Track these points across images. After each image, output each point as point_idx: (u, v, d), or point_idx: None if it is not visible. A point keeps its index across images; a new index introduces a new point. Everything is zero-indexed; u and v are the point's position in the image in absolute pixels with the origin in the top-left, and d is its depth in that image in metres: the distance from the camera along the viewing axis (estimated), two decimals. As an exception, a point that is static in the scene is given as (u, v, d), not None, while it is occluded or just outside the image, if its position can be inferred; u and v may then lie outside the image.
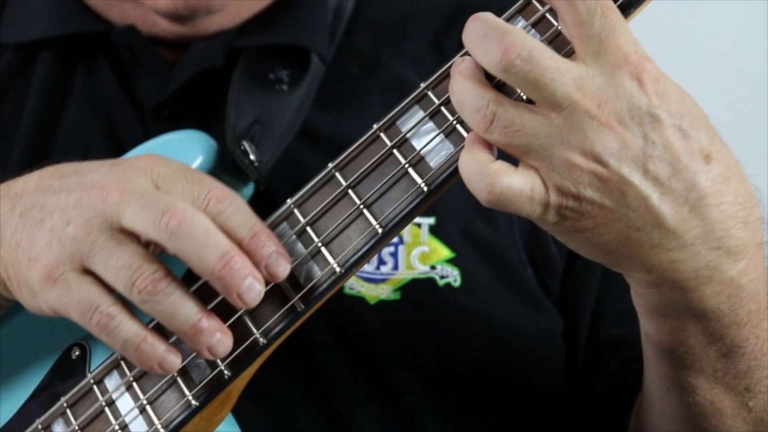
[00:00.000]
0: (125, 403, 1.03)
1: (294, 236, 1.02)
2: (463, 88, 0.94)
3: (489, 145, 0.94)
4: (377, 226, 0.99)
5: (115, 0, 1.33)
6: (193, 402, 1.00)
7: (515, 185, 0.92)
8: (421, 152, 0.99)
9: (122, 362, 1.04)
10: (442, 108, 1.00)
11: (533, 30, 0.98)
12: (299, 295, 1.00)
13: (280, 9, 1.33)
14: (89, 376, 1.05)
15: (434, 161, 0.99)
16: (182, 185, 0.99)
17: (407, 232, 1.26)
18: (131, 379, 1.03)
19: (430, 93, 1.01)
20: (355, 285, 1.24)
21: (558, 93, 0.90)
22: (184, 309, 0.96)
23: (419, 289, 1.24)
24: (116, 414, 1.03)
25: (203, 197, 0.98)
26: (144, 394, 1.02)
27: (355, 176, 1.01)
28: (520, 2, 0.99)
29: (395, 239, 1.25)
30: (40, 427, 1.05)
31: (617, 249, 0.94)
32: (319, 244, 1.01)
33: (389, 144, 1.01)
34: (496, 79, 0.95)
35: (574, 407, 1.29)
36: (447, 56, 1.32)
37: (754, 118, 2.21)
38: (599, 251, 0.95)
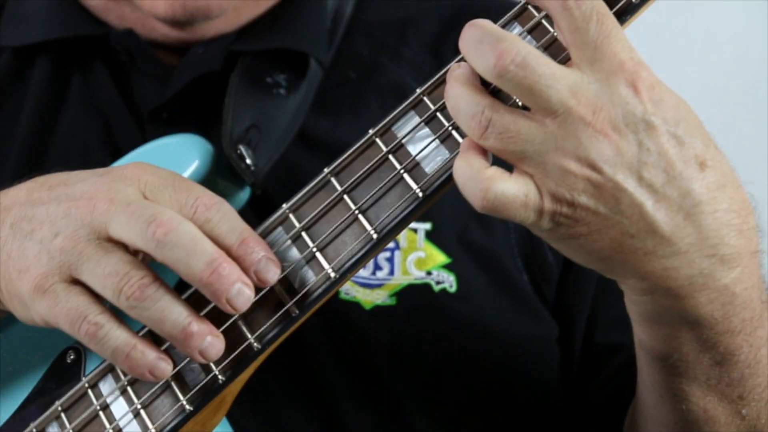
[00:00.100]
0: (119, 408, 1.03)
1: (289, 241, 1.02)
2: (459, 94, 0.94)
3: (484, 151, 0.94)
4: (372, 232, 0.99)
5: (115, 3, 1.33)
6: (187, 407, 1.00)
7: (509, 191, 0.92)
8: (417, 158, 0.99)
9: (117, 366, 1.04)
10: (438, 114, 1.00)
11: (529, 36, 0.98)
12: (294, 300, 1.00)
13: (279, 14, 1.33)
14: (84, 380, 1.05)
15: (429, 167, 0.99)
16: (170, 193, 0.99)
17: (403, 237, 1.26)
18: (125, 383, 1.03)
19: (425, 99, 1.01)
20: (350, 290, 1.24)
21: (553, 99, 0.90)
22: (172, 314, 0.97)
23: (415, 295, 1.25)
24: (110, 418, 1.03)
25: (191, 205, 0.99)
26: (138, 399, 1.02)
27: (350, 181, 1.01)
28: (516, 8, 0.99)
29: (391, 244, 1.25)
30: (34, 430, 1.06)
31: (611, 256, 0.94)
32: (314, 250, 1.01)
33: (385, 149, 1.01)
34: (491, 85, 0.95)
35: (569, 413, 1.29)
36: (445, 61, 1.32)
37: (754, 119, 2.21)
38: (593, 258, 0.95)
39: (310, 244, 1.01)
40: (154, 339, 1.01)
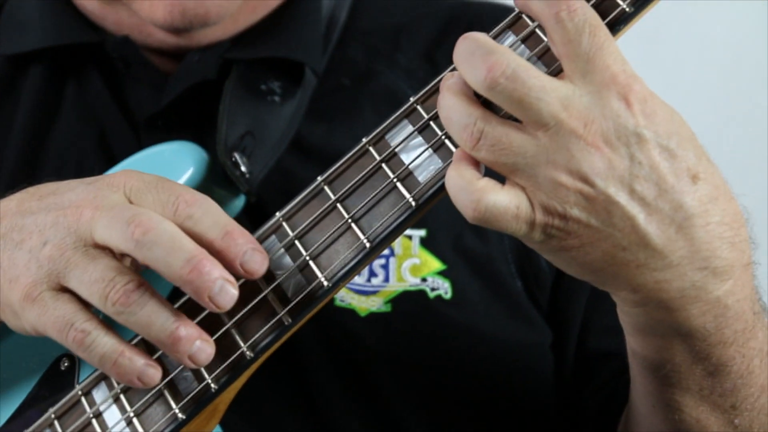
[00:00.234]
0: (112, 416, 1.03)
1: (282, 249, 1.02)
2: (451, 105, 0.94)
3: (476, 162, 0.94)
4: (365, 241, 0.99)
5: (112, 9, 1.32)
6: (180, 415, 1.01)
7: (501, 203, 0.92)
8: (410, 167, 0.99)
9: (106, 374, 1.04)
10: (431, 123, 1.00)
11: (522, 45, 0.97)
12: (287, 308, 1.00)
13: (275, 22, 1.33)
14: (77, 387, 1.05)
15: (422, 176, 0.99)
16: (152, 195, 0.99)
17: (398, 244, 1.26)
18: (119, 391, 1.03)
19: (419, 107, 1.01)
20: (345, 297, 1.24)
21: (543, 112, 0.90)
22: (159, 318, 0.96)
23: (410, 302, 1.25)
24: (103, 426, 1.03)
25: (172, 203, 0.98)
26: (131, 407, 1.02)
27: (343, 190, 1.01)
28: (510, 18, 0.99)
29: (386, 251, 1.26)
30: (28, 437, 1.06)
31: (603, 268, 0.94)
32: (307, 258, 1.01)
33: (378, 158, 1.01)
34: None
35: (563, 419, 1.29)
36: (440, 68, 1.32)
37: (753, 120, 2.21)
38: (585, 270, 0.95)
39: (304, 252, 1.01)
40: (147, 348, 1.01)
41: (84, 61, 1.34)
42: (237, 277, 0.97)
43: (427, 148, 0.99)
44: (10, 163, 1.30)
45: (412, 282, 1.25)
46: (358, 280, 1.24)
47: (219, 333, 1.00)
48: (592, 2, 0.95)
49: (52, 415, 1.05)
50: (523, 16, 0.98)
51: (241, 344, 1.00)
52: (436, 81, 1.00)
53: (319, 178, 1.02)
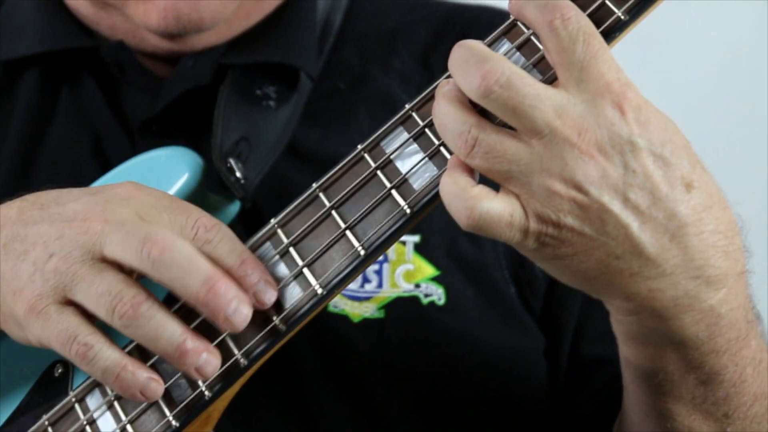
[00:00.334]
0: (106, 423, 1.03)
1: (277, 256, 1.02)
2: (446, 112, 0.94)
3: (471, 169, 0.94)
4: (360, 248, 0.99)
5: (106, 14, 1.32)
6: (174, 422, 1.01)
7: (495, 210, 0.92)
8: (405, 174, 0.99)
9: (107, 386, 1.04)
10: (427, 130, 1.00)
11: (518, 53, 0.97)
12: (281, 316, 1.00)
13: (269, 27, 1.33)
14: (71, 394, 1.05)
15: (417, 183, 0.99)
16: (168, 215, 1.00)
17: (392, 250, 1.26)
18: (112, 398, 1.03)
19: (414, 114, 1.01)
20: (339, 303, 1.24)
21: (538, 120, 0.90)
22: (166, 332, 0.97)
23: (404, 308, 1.24)
24: (97, 433, 1.04)
25: (191, 226, 0.99)
26: (125, 414, 1.02)
27: (338, 197, 1.01)
28: (505, 25, 0.99)
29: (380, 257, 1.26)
30: (22, 444, 1.06)
31: (596, 276, 0.94)
32: (302, 266, 1.01)
33: (373, 165, 1.01)
34: None
35: (556, 426, 1.29)
36: (435, 72, 1.33)
37: (750, 123, 2.21)
38: (578, 278, 0.95)
39: (298, 259, 1.01)
40: (141, 356, 1.01)
41: (79, 66, 1.33)
42: None
43: (422, 156, 0.99)
44: (5, 167, 1.29)
45: (405, 288, 1.25)
46: (352, 285, 1.24)
47: (214, 342, 1.00)
48: (587, 11, 0.95)
49: (46, 422, 1.05)
50: (519, 23, 0.98)
51: (235, 352, 1.00)
52: (431, 88, 1.00)
53: (315, 185, 1.02)
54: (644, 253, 0.92)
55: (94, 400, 1.04)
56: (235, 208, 1.20)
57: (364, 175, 1.01)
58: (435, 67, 1.35)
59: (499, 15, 1.33)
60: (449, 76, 0.96)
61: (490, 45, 0.98)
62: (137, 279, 0.99)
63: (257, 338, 1.00)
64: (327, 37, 1.35)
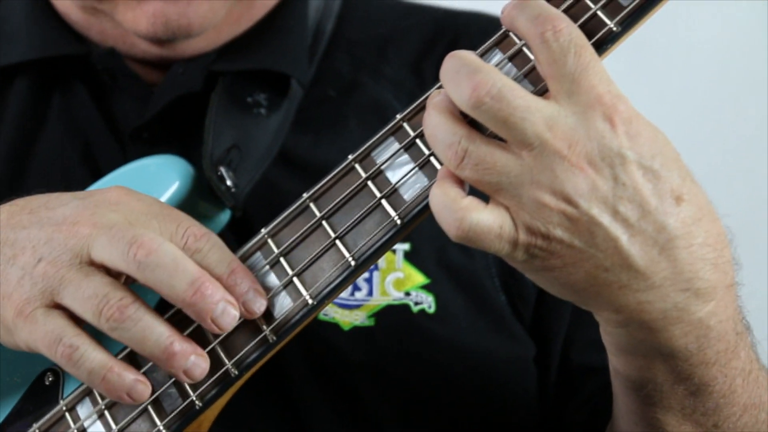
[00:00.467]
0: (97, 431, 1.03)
1: (267, 266, 1.02)
2: (436, 123, 0.94)
3: (460, 180, 0.94)
4: (350, 259, 0.99)
5: (96, 20, 1.32)
6: (164, 431, 1.01)
7: (484, 222, 0.92)
8: (395, 185, 0.99)
9: (95, 390, 1.04)
10: (417, 140, 1.00)
11: (510, 64, 0.97)
12: (271, 326, 1.00)
13: (260, 33, 1.33)
14: (62, 402, 1.05)
15: (408, 194, 0.99)
16: (158, 222, 1.00)
17: (382, 258, 1.25)
18: (103, 407, 1.03)
19: (405, 125, 1.01)
20: (329, 311, 1.24)
21: (528, 132, 0.91)
22: (153, 334, 0.97)
23: (394, 316, 1.25)
24: (88, 442, 1.04)
25: (181, 235, 1.00)
26: (116, 423, 1.03)
27: (329, 207, 1.02)
28: (497, 35, 0.99)
29: (370, 265, 1.26)
30: (12, 452, 1.06)
31: (585, 288, 0.94)
32: (292, 276, 1.01)
33: (364, 175, 1.01)
34: None
35: (547, 434, 1.30)
36: (426, 79, 1.33)
37: (746, 126, 2.21)
38: (567, 290, 0.95)
39: (288, 270, 1.01)
40: (133, 363, 1.01)
41: (69, 72, 1.33)
42: None
43: (413, 166, 0.99)
44: (-4, 174, 1.29)
45: (395, 296, 1.25)
46: (342, 293, 1.24)
47: (204, 351, 1.00)
48: (579, 22, 0.95)
49: (37, 430, 1.05)
50: (511, 33, 0.98)
51: (226, 361, 1.00)
52: (422, 98, 1.00)
53: (305, 195, 1.03)
54: (633, 266, 0.92)
55: (84, 409, 1.04)
56: (225, 216, 1.20)
57: (354, 186, 1.01)
58: (427, 74, 1.35)
59: (491, 22, 1.33)
60: (441, 87, 0.97)
61: (481, 55, 0.98)
62: (126, 284, 1.00)
63: (248, 348, 1.00)
64: (318, 44, 1.35)
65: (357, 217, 1.00)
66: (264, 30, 1.33)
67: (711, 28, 2.24)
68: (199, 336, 1.00)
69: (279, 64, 1.31)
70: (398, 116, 1.01)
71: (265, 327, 1.00)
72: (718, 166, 2.04)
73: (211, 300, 0.97)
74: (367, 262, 1.00)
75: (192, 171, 1.14)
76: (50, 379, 1.08)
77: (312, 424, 1.22)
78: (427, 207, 0.98)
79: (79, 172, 1.28)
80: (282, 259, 1.02)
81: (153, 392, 1.01)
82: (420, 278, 1.26)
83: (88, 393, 1.05)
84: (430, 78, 1.00)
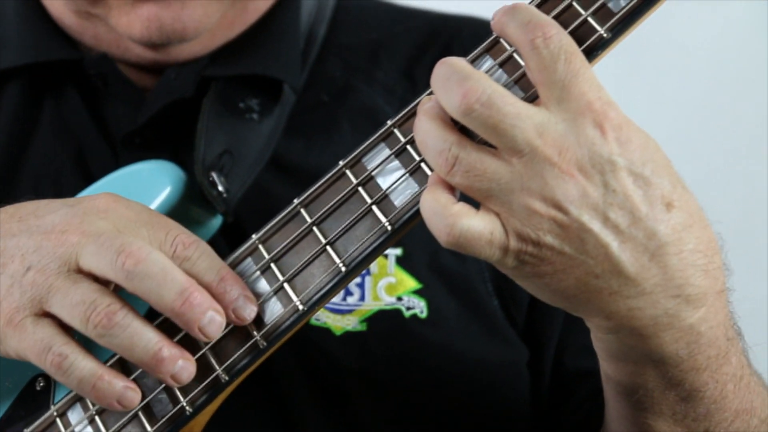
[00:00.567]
0: (87, 438, 1.03)
1: (258, 272, 1.02)
2: (427, 130, 0.95)
3: (451, 187, 0.94)
4: (341, 264, 0.99)
5: (90, 24, 1.32)
6: (154, 437, 1.01)
7: (475, 228, 0.92)
8: (386, 190, 0.99)
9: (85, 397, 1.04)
10: (408, 147, 1.00)
11: (500, 70, 0.97)
12: (262, 332, 1.00)
13: (253, 38, 1.33)
14: (53, 408, 1.05)
15: (399, 200, 0.99)
16: (147, 231, 1.00)
17: (374, 263, 1.26)
18: (94, 412, 1.03)
19: (396, 131, 1.01)
20: (321, 316, 1.24)
21: (518, 139, 0.91)
22: (142, 340, 0.97)
23: (386, 321, 1.24)
24: (78, 447, 1.04)
25: (170, 243, 1.00)
26: (106, 429, 1.03)
27: (320, 213, 1.02)
28: (488, 42, 0.99)
29: (362, 270, 1.26)
30: (3, 458, 1.06)
31: (576, 295, 0.94)
32: (283, 282, 1.01)
33: (355, 181, 1.01)
34: None
35: (539, 439, 1.30)
36: (418, 84, 1.33)
37: (750, 124, 2.21)
38: (558, 296, 0.95)
39: (279, 275, 1.01)
40: (122, 369, 1.01)
41: (62, 77, 1.33)
42: None
43: (404, 173, 0.99)
44: (-12, 179, 1.29)
45: (387, 301, 1.25)
46: (334, 298, 1.24)
47: (195, 357, 1.00)
48: (569, 28, 0.95)
49: (27, 436, 1.05)
50: (501, 40, 0.98)
51: (216, 367, 1.01)
52: (413, 104, 1.00)
53: (296, 201, 1.03)
54: (624, 273, 0.92)
55: (75, 415, 1.04)
56: (217, 222, 1.20)
57: (345, 192, 1.01)
58: (419, 79, 1.35)
59: (482, 26, 1.33)
60: (432, 93, 0.97)
61: (472, 62, 0.98)
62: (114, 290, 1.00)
63: (238, 354, 1.00)
64: (311, 49, 1.35)
65: (348, 223, 1.00)
66: (257, 35, 1.33)
67: (707, 29, 2.23)
68: (190, 342, 1.00)
69: (271, 69, 1.30)
70: (389, 122, 1.01)
71: (255, 333, 1.00)
72: (716, 168, 2.04)
73: (199, 309, 0.97)
74: (358, 268, 1.00)
75: (184, 176, 1.14)
76: (41, 384, 1.08)
77: (303, 429, 1.21)
78: (417, 213, 0.98)
79: (71, 177, 1.28)
80: (273, 265, 1.02)
81: (143, 398, 1.01)
82: (412, 283, 1.26)
83: (78, 398, 1.05)
84: (423, 83, 1.00)
